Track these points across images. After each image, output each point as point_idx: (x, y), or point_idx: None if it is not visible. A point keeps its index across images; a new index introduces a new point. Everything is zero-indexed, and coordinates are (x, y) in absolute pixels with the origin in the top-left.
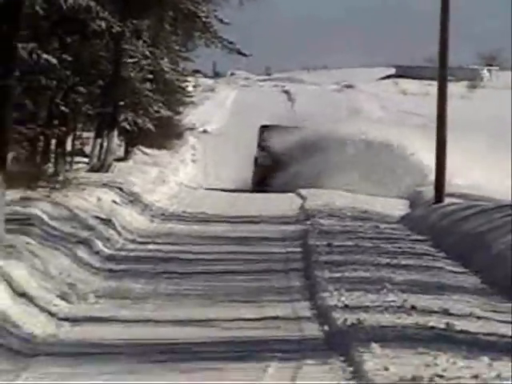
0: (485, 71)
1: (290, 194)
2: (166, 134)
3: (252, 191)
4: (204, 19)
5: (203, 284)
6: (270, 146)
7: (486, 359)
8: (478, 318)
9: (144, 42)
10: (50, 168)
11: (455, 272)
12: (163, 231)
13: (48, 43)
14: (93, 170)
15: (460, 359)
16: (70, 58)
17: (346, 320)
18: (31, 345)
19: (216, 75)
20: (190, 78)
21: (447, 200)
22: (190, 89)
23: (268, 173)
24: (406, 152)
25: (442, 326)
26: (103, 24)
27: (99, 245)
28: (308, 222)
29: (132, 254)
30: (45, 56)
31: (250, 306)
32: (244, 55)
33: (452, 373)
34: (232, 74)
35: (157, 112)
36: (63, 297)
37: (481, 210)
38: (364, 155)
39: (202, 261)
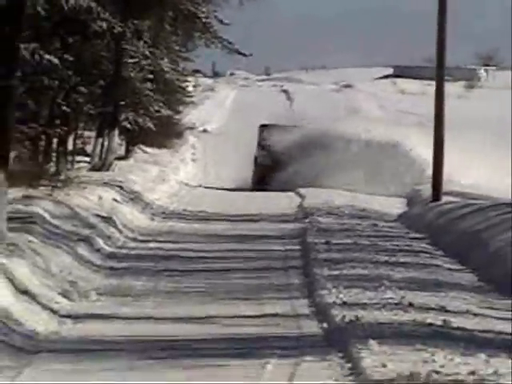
0: (482, 71)
1: (290, 193)
2: (166, 134)
3: (252, 190)
4: (204, 20)
5: (203, 281)
6: (269, 145)
7: (483, 356)
8: (475, 315)
9: (144, 42)
10: (51, 167)
11: (452, 270)
12: (164, 229)
13: (50, 44)
14: (94, 168)
15: (457, 356)
16: (71, 59)
17: (344, 317)
18: (33, 342)
19: (216, 75)
20: (189, 78)
21: (445, 198)
22: (189, 88)
23: (267, 172)
24: (405, 149)
25: (440, 322)
26: (104, 24)
27: (100, 243)
28: (307, 220)
29: (133, 251)
30: (47, 56)
31: (250, 304)
32: (244, 55)
33: (449, 369)
34: (231, 74)
35: (157, 111)
36: (65, 294)
37: (478, 208)
38: (363, 154)
39: (203, 258)
